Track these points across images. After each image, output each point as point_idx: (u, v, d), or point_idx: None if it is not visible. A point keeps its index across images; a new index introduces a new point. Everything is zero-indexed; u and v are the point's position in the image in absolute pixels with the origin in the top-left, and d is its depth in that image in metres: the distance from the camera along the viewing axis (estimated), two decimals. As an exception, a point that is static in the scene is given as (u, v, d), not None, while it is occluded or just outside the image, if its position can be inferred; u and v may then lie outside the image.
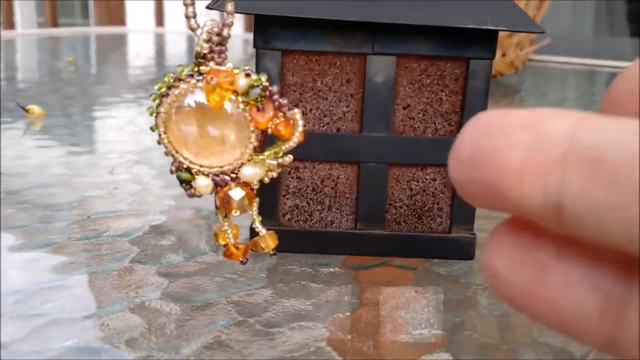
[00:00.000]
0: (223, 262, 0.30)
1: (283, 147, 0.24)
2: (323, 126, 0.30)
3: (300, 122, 0.23)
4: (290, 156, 0.24)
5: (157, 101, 0.23)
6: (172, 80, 0.23)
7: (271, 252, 0.26)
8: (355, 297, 0.28)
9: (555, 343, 0.24)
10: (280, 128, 0.23)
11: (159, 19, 2.31)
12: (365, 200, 0.31)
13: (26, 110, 0.61)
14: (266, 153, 0.24)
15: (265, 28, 0.29)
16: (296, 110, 0.23)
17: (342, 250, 0.31)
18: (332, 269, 0.30)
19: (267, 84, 0.23)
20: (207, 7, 0.28)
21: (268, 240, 0.25)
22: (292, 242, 0.31)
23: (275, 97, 0.23)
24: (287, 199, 0.31)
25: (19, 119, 0.61)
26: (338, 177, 0.31)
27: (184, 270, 0.30)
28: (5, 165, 0.45)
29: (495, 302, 0.28)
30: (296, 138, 0.23)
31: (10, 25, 2.16)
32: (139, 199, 0.40)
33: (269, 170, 0.24)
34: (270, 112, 0.23)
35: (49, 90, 0.80)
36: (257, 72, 0.29)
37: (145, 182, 0.43)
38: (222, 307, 0.26)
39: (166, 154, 0.24)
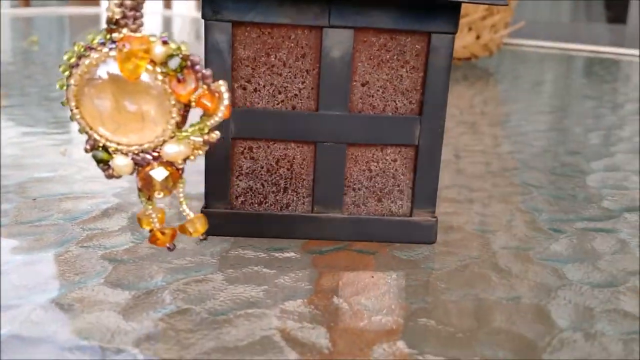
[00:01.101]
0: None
1: (208, 123, 0.22)
2: (277, 104, 0.29)
3: (226, 95, 0.21)
4: (218, 132, 0.22)
5: (66, 73, 0.21)
6: (82, 50, 0.21)
7: (200, 237, 0.24)
8: (310, 283, 0.26)
9: (514, 330, 0.23)
10: (204, 101, 0.21)
11: (167, 3, 2.26)
12: (323, 182, 0.29)
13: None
14: (190, 129, 0.22)
15: (214, -2, 0.27)
16: (221, 82, 0.21)
17: (298, 234, 0.30)
18: (287, 254, 0.29)
19: (187, 52, 0.21)
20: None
21: (196, 224, 0.24)
22: (245, 226, 0.30)
23: (198, 67, 0.21)
24: (240, 180, 0.30)
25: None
26: (294, 158, 0.29)
27: (131, 255, 0.28)
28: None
29: (455, 287, 0.26)
30: (221, 113, 0.21)
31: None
32: (91, 180, 0.38)
33: (195, 148, 0.22)
34: (192, 84, 0.21)
35: (10, 70, 0.77)
36: (206, 45, 0.27)
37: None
38: (167, 294, 0.25)
39: (80, 131, 0.22)
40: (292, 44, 0.28)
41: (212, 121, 0.22)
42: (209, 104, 0.21)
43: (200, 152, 0.22)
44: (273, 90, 0.28)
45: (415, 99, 0.29)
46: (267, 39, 0.28)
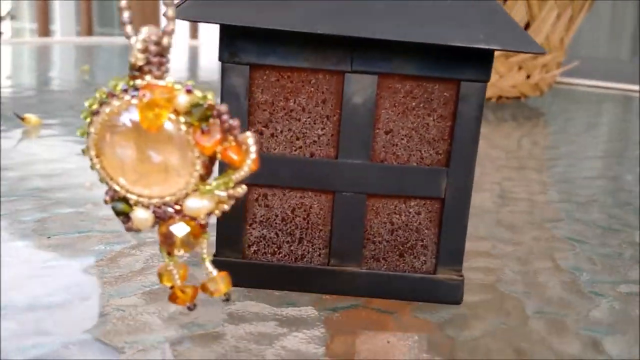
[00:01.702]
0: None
1: (234, 177, 0.21)
2: (295, 150, 0.27)
3: (253, 148, 0.20)
4: (244, 187, 0.21)
5: (87, 119, 0.20)
6: (104, 96, 0.20)
7: (223, 297, 0.22)
8: (321, 346, 0.25)
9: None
10: (230, 154, 0.20)
11: (194, 31, 2.32)
12: (341, 234, 0.28)
13: (22, 119, 0.59)
14: (214, 183, 0.21)
15: (231, 39, 0.26)
16: (248, 133, 0.20)
17: (312, 288, 0.28)
18: (299, 310, 0.27)
19: (213, 102, 0.20)
20: (164, 15, 0.25)
21: (219, 283, 0.22)
22: (257, 277, 0.28)
23: (224, 117, 0.20)
24: (253, 228, 0.28)
25: (16, 127, 0.59)
26: (310, 207, 0.28)
27: (133, 305, 0.27)
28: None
29: (479, 358, 0.24)
30: (247, 167, 0.20)
31: (46, 33, 2.19)
32: (113, 219, 0.37)
33: (219, 202, 0.21)
34: (217, 135, 0.20)
35: (57, 98, 0.79)
36: (222, 88, 0.26)
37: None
38: (164, 350, 0.23)
39: (100, 181, 0.21)
40: (313, 89, 0.27)
41: (237, 175, 0.20)
42: (235, 157, 0.20)
43: (225, 206, 0.21)
44: (291, 136, 0.27)
45: (442, 149, 0.27)
46: (286, 83, 0.27)
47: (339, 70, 0.26)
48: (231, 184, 0.21)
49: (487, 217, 0.43)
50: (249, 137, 0.20)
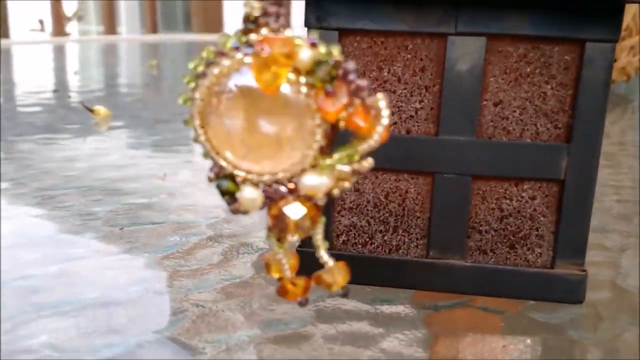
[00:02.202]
0: (260, 287, 0.24)
1: (360, 148, 0.17)
2: (389, 126, 0.24)
3: (385, 113, 0.17)
4: (370, 160, 0.17)
5: (192, 84, 0.17)
6: (212, 56, 0.17)
7: (341, 292, 0.19)
8: (424, 349, 0.21)
9: None
10: (356, 120, 0.17)
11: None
12: (441, 222, 0.24)
13: (92, 111, 0.58)
14: (337, 156, 0.17)
15: (318, 1, 0.23)
16: (380, 95, 0.17)
17: (409, 283, 0.25)
18: (396, 308, 0.24)
19: (340, 58, 0.16)
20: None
21: (336, 274, 0.19)
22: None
23: (352, 77, 0.16)
24: (342, 216, 0.25)
25: (86, 120, 0.58)
26: (407, 191, 0.24)
27: (215, 300, 0.24)
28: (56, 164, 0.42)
29: (614, 368, 0.20)
30: (378, 135, 0.17)
31: (112, 31, 2.24)
32: (186, 209, 0.35)
33: (340, 179, 0.18)
34: (343, 99, 0.16)
35: (125, 93, 0.78)
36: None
37: (202, 187, 0.38)
38: (249, 351, 0.21)
39: (204, 155, 0.18)
40: (409, 56, 0.23)
41: (365, 145, 0.17)
42: (362, 124, 0.16)
43: (347, 184, 0.18)
44: (384, 111, 0.24)
45: (561, 122, 0.23)
46: (379, 50, 0.23)
47: (441, 33, 0.23)
48: (357, 157, 0.17)
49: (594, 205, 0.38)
50: (380, 100, 0.17)
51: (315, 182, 0.17)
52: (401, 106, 0.24)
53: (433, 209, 0.24)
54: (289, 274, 0.19)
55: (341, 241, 0.25)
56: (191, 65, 0.17)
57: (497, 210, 0.24)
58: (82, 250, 0.28)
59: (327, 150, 0.17)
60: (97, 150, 0.48)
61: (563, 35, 0.22)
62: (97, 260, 0.27)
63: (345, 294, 0.19)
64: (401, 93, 0.24)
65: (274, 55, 0.16)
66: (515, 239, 0.24)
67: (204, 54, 0.17)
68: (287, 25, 0.17)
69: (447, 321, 0.23)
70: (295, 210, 0.18)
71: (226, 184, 0.18)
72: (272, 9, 0.16)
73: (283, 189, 0.18)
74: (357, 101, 0.16)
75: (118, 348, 0.21)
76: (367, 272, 0.25)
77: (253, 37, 0.16)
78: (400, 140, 0.24)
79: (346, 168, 0.17)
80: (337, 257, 0.25)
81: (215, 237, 0.30)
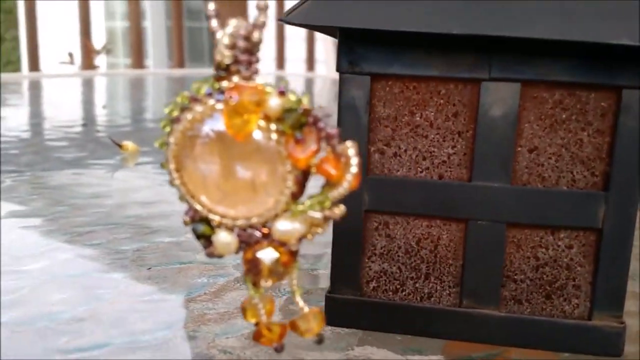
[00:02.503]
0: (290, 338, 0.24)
1: (330, 195, 0.17)
2: (421, 171, 0.24)
3: (355, 161, 0.17)
4: (342, 207, 0.18)
5: (167, 129, 0.18)
6: (186, 101, 0.17)
7: (315, 339, 0.19)
8: (456, 401, 0.21)
9: None
10: (326, 167, 0.17)
11: (280, 63, 2.35)
12: (475, 270, 0.24)
13: (120, 146, 0.59)
14: (308, 202, 0.18)
15: (351, 46, 0.23)
16: (349, 143, 0.17)
17: (441, 332, 0.24)
18: (427, 358, 0.23)
19: (309, 106, 0.17)
20: (280, 20, 0.22)
21: (311, 321, 0.19)
22: (377, 318, 0.24)
23: (321, 125, 0.17)
24: (372, 262, 0.25)
25: (114, 155, 0.59)
26: (439, 238, 0.24)
27: (242, 346, 0.24)
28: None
29: None
30: (347, 183, 0.17)
31: (140, 64, 2.29)
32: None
33: (313, 225, 0.18)
34: (313, 146, 0.17)
35: (151, 128, 0.79)
36: (340, 102, 0.23)
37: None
38: (278, 403, 0.20)
39: (180, 199, 0.18)
40: (442, 101, 0.23)
41: (335, 192, 0.17)
42: (332, 171, 0.17)
43: (320, 230, 0.18)
44: (416, 156, 0.24)
45: (599, 169, 0.23)
46: (411, 95, 0.23)
47: (474, 78, 0.22)
48: (328, 204, 0.18)
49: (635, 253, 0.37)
50: (349, 148, 0.17)
51: (288, 227, 0.18)
52: (433, 151, 0.24)
53: (466, 256, 0.24)
54: (264, 319, 0.19)
55: (371, 287, 0.25)
56: (166, 110, 0.17)
57: (533, 259, 0.24)
58: (110, 291, 0.28)
59: (298, 195, 0.18)
60: (126, 185, 0.48)
61: (599, 82, 0.22)
62: (125, 302, 0.27)
63: (320, 341, 0.19)
64: (433, 138, 0.23)
65: (244, 102, 0.16)
66: (551, 288, 0.24)
67: (178, 100, 0.18)
68: (257, 72, 0.17)
69: (481, 373, 0.23)
70: (268, 255, 0.18)
71: (201, 228, 0.18)
72: (244, 57, 0.17)
73: (257, 233, 0.18)
74: (328, 149, 0.17)
75: (145, 396, 0.20)
76: (398, 320, 0.24)
77: (225, 84, 0.17)
78: (433, 186, 0.24)
79: (317, 214, 0.18)
80: (367, 304, 0.25)
81: (243, 279, 0.30)
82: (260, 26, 0.17)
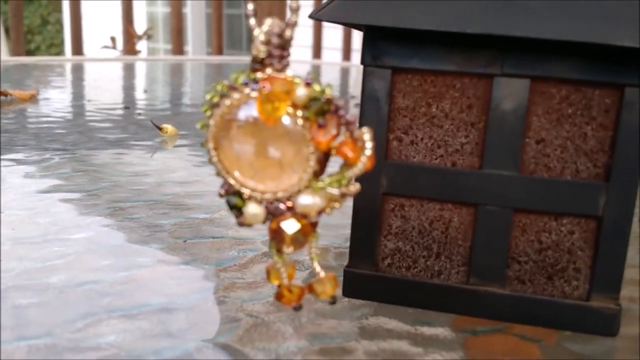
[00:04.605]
0: (309, 302, 0.26)
1: (347, 174, 0.20)
2: (436, 159, 0.26)
3: (369, 144, 0.19)
4: (357, 185, 0.20)
5: (208, 112, 0.20)
6: (225, 89, 0.20)
7: (329, 300, 0.22)
8: (459, 368, 0.23)
9: None
10: (345, 150, 0.20)
11: (317, 52, 2.37)
12: (482, 251, 0.26)
13: (160, 129, 0.62)
14: (327, 180, 0.20)
15: (374, 42, 0.25)
16: (365, 129, 0.20)
17: (450, 308, 0.26)
18: (435, 330, 0.25)
19: (331, 96, 0.19)
20: (310, 17, 0.24)
21: (326, 285, 0.22)
22: (390, 292, 0.27)
23: (341, 112, 0.19)
24: (388, 240, 0.27)
25: (154, 137, 0.62)
26: (450, 220, 0.26)
27: (266, 312, 0.26)
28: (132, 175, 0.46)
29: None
30: (362, 164, 0.20)
31: (179, 50, 2.33)
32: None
33: (331, 200, 0.20)
34: (333, 130, 0.19)
35: (190, 112, 0.82)
36: (363, 93, 0.25)
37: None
38: (296, 361, 0.23)
39: (216, 174, 0.21)
40: (457, 94, 0.25)
41: (351, 172, 0.20)
42: (349, 153, 0.19)
43: (337, 205, 0.20)
44: (432, 144, 0.26)
45: (601, 162, 0.24)
46: (429, 88, 0.25)
47: (488, 74, 0.24)
48: (344, 182, 0.20)
49: (633, 240, 0.39)
50: (365, 133, 0.20)
51: (309, 201, 0.20)
52: (448, 140, 0.25)
53: (475, 238, 0.26)
54: (286, 281, 0.22)
55: (386, 264, 0.27)
56: (208, 96, 0.20)
57: (537, 243, 0.26)
58: (148, 259, 0.31)
59: (319, 174, 0.20)
60: (164, 166, 0.51)
61: (603, 80, 0.24)
62: (162, 269, 0.30)
63: (333, 302, 0.22)
64: (448, 128, 0.25)
65: (275, 92, 0.19)
66: (553, 270, 0.26)
67: (219, 88, 0.20)
68: (288, 65, 0.20)
69: (485, 346, 0.24)
70: (291, 226, 0.20)
71: (234, 200, 0.21)
72: (276, 52, 0.20)
73: (282, 206, 0.20)
74: (347, 133, 0.19)
75: (178, 351, 0.23)
76: (410, 294, 0.27)
77: (259, 75, 0.19)
78: (446, 172, 0.26)
79: (335, 191, 0.20)
80: (381, 278, 0.27)
81: (269, 254, 0.32)
82: (292, 25, 0.19)
